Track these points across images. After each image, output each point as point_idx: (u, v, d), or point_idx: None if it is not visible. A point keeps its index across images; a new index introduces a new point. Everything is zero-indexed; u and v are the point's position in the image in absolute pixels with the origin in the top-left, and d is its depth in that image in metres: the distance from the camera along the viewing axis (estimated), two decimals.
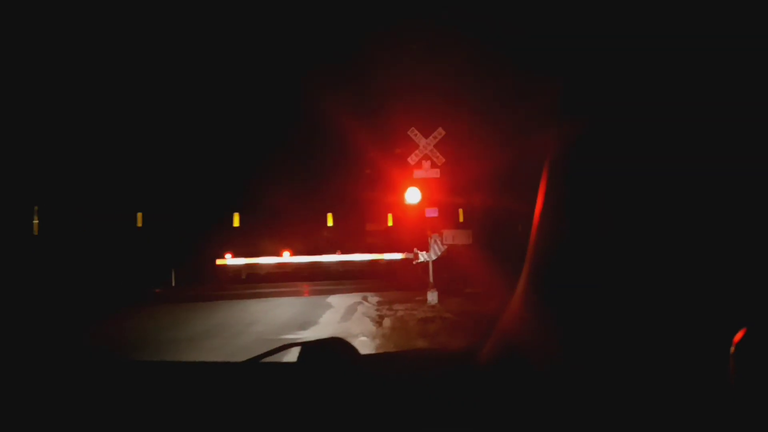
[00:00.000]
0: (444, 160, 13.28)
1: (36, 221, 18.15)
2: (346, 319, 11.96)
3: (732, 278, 0.92)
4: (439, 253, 13.42)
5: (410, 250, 14.75)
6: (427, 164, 13.25)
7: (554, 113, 1.18)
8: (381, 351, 7.67)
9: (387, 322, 10.80)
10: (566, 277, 1.09)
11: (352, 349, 1.66)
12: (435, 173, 13.26)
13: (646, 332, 0.96)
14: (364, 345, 8.51)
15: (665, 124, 0.98)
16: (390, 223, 21.04)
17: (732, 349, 0.81)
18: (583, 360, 1.04)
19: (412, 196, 13.25)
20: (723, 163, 0.94)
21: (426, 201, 13.26)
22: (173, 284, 19.60)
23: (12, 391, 1.58)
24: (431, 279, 13.24)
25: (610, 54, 1.08)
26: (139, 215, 21.67)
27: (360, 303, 14.12)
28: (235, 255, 20.66)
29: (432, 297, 12.90)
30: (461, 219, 16.67)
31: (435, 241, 13.37)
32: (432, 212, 13.31)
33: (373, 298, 14.78)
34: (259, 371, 1.72)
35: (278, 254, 20.82)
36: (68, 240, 19.12)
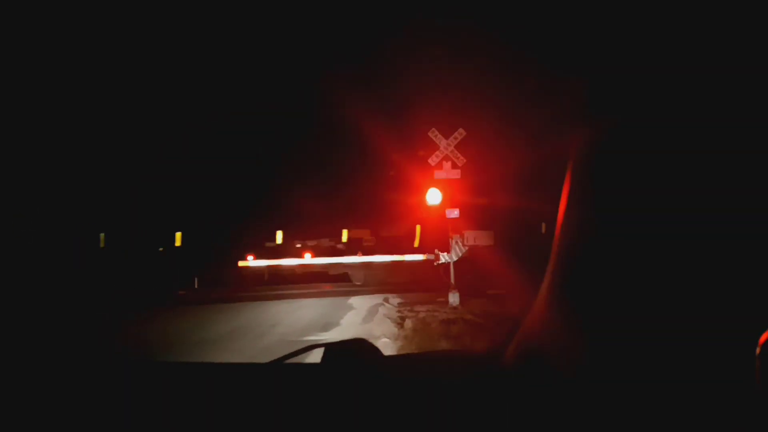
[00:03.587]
0: (465, 160, 13.22)
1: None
2: (367, 320, 11.97)
3: (759, 278, 0.91)
4: (460, 254, 13.37)
5: (431, 252, 14.73)
6: (447, 165, 13.21)
7: (579, 112, 1.18)
8: (403, 352, 7.67)
9: (409, 323, 10.79)
10: (592, 279, 1.09)
11: (375, 351, 1.68)
12: (456, 174, 13.21)
13: (671, 333, 0.95)
14: (387, 346, 8.51)
15: (695, 123, 0.98)
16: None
17: (758, 350, 0.81)
18: (609, 365, 1.03)
19: (433, 197, 13.22)
20: (756, 160, 0.93)
21: (447, 202, 13.22)
22: (196, 286, 19.78)
23: (36, 393, 1.61)
24: (452, 280, 13.20)
25: (636, 52, 1.07)
26: (178, 235, 22.06)
27: (381, 304, 14.12)
28: (257, 257, 20.82)
29: (454, 298, 12.85)
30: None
31: (456, 242, 13.33)
32: (453, 213, 13.27)
33: (395, 300, 14.77)
34: (284, 372, 1.74)
35: (300, 256, 20.96)
36: (90, 245, 19.49)
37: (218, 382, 1.67)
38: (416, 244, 20.55)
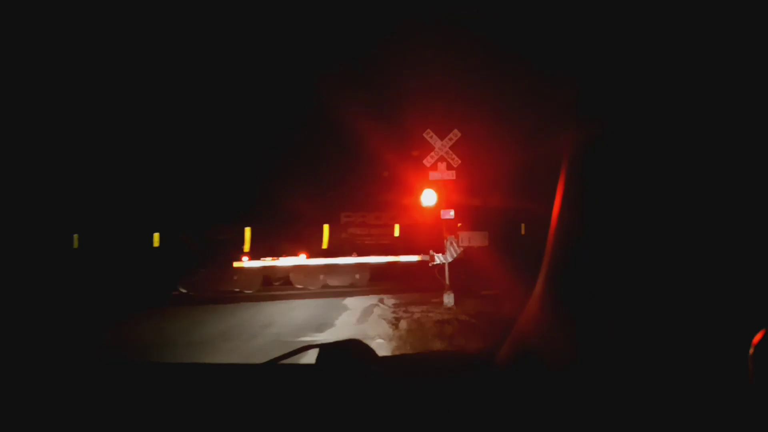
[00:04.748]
0: (460, 161, 13.22)
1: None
2: (362, 321, 11.97)
3: (751, 280, 0.91)
4: (455, 255, 13.37)
5: (426, 252, 14.72)
6: (442, 166, 13.21)
7: (571, 114, 1.18)
8: (398, 353, 7.66)
9: (403, 324, 10.79)
10: (584, 279, 1.09)
11: (369, 351, 1.68)
12: (451, 175, 13.21)
13: (663, 334, 0.96)
14: (381, 347, 8.51)
15: (683, 124, 0.98)
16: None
17: (751, 350, 0.81)
18: (600, 362, 1.04)
19: (428, 198, 13.21)
20: (745, 161, 0.94)
21: (442, 203, 13.22)
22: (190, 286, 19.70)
23: (28, 393, 1.60)
24: (447, 281, 13.20)
25: (625, 54, 1.08)
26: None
27: (376, 305, 14.11)
28: (252, 257, 20.78)
29: (448, 299, 12.85)
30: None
31: (451, 243, 13.33)
32: (447, 214, 13.27)
33: (389, 300, 14.77)
34: (278, 373, 1.74)
35: (294, 256, 20.92)
36: (84, 243, 19.38)
37: (212, 382, 1.66)
38: (324, 245, 20.56)
